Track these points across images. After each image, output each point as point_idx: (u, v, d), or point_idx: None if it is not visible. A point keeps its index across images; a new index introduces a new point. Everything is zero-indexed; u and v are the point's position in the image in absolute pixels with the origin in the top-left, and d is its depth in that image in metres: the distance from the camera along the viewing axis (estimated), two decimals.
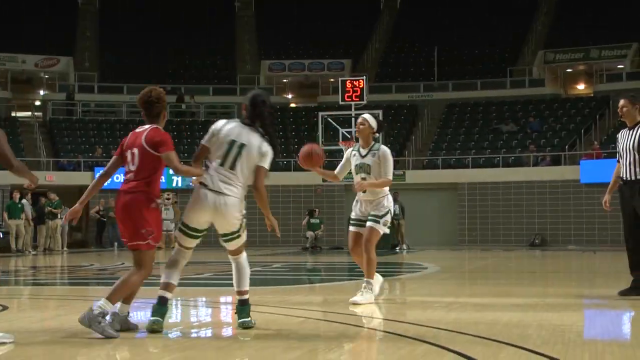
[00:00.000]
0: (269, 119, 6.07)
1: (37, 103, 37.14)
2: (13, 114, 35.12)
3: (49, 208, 24.51)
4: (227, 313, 7.67)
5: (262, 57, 39.39)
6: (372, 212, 7.96)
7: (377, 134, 8.18)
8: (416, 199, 28.16)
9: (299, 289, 10.75)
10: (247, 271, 6.17)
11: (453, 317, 6.99)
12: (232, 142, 5.93)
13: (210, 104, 35.19)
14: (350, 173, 8.24)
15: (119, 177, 22.90)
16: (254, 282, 10.49)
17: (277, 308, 7.56)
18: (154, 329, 5.79)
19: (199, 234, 6.06)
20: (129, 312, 6.01)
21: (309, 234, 25.64)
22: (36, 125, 33.11)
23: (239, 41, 41.29)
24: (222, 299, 8.91)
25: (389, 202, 8.03)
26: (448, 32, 39.49)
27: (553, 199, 27.82)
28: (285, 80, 39.58)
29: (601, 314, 7.73)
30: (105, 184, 6.16)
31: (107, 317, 5.63)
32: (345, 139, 23.80)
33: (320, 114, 25.50)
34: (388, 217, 7.99)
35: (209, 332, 6.45)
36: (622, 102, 8.57)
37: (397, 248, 24.12)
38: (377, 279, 8.20)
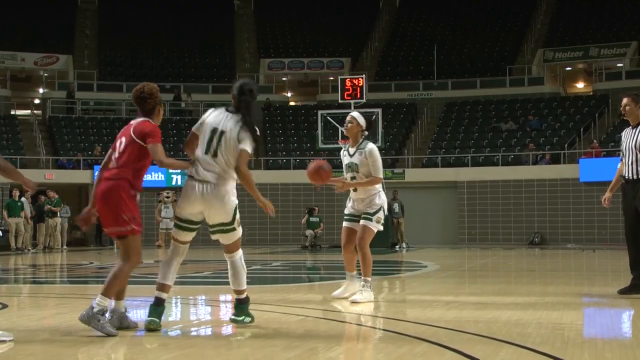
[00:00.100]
0: (251, 108, 6.00)
1: (37, 101, 37.13)
2: (12, 112, 35.11)
3: (49, 206, 24.52)
4: (227, 311, 7.67)
5: (261, 56, 39.40)
6: (365, 210, 7.96)
7: (367, 132, 8.14)
8: (416, 197, 28.17)
9: (299, 288, 10.75)
10: (242, 271, 6.12)
11: (452, 315, 6.99)
12: (214, 130, 5.93)
13: (209, 102, 35.20)
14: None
15: None
16: (253, 281, 10.48)
17: (276, 306, 7.56)
18: (151, 328, 5.80)
19: (193, 226, 6.01)
20: (126, 309, 6.00)
21: (308, 232, 25.63)
22: (35, 124, 33.10)
23: (238, 39, 41.29)
24: (222, 298, 8.91)
25: (380, 199, 8.00)
26: (447, 30, 39.54)
27: (552, 198, 27.83)
28: (284, 79, 39.60)
29: (600, 313, 7.73)
30: None
31: (107, 315, 5.63)
32: (344, 137, 23.77)
33: (320, 112, 25.50)
34: (381, 214, 7.98)
35: (208, 331, 6.45)
36: (625, 100, 8.55)
37: (397, 246, 24.12)
38: (354, 285, 8.15)
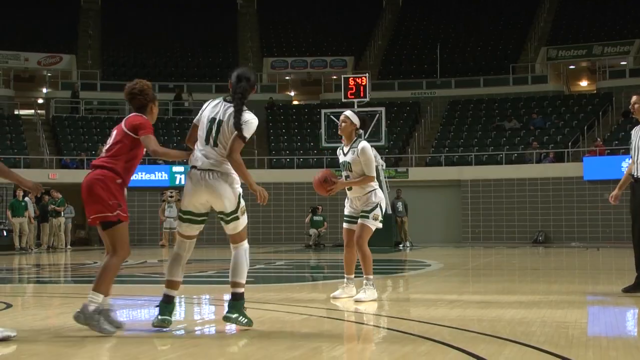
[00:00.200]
0: (242, 94, 5.92)
1: (40, 101, 37.19)
2: (16, 112, 35.15)
3: (52, 206, 24.55)
4: None
5: (264, 55, 39.41)
6: (362, 209, 7.97)
7: (361, 131, 8.14)
8: (419, 196, 28.16)
9: (302, 287, 10.75)
10: (245, 263, 5.94)
11: (456, 314, 6.99)
12: (212, 120, 5.90)
13: None
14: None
15: None
16: (256, 280, 10.50)
17: (280, 305, 7.56)
18: (162, 326, 5.79)
19: (197, 219, 5.94)
20: (111, 306, 5.93)
21: (312, 231, 25.63)
22: (39, 123, 33.14)
23: (241, 39, 41.31)
24: (226, 297, 8.90)
25: (377, 197, 8.00)
26: (450, 29, 39.51)
27: (556, 196, 27.81)
28: (287, 78, 39.60)
29: (605, 311, 7.72)
30: None
31: (111, 313, 5.62)
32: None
33: (323, 111, 25.50)
34: (378, 212, 7.97)
35: (212, 330, 6.45)
36: (634, 98, 8.50)
37: (401, 245, 24.12)
38: (350, 289, 8.15)
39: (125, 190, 5.95)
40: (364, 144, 7.94)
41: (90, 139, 32.46)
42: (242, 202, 5.93)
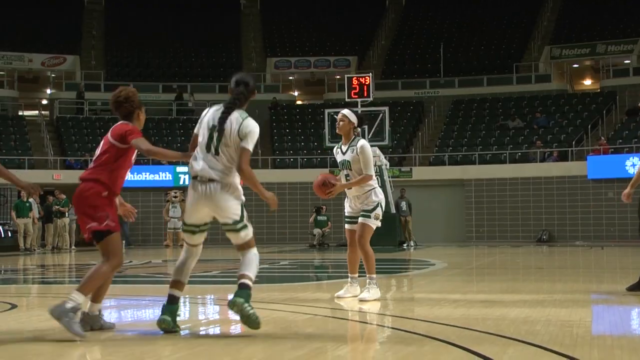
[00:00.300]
0: (238, 99, 5.82)
1: (44, 102, 37.23)
2: (20, 113, 35.20)
3: (57, 207, 24.59)
4: None
5: (267, 55, 39.43)
6: (362, 208, 7.96)
7: (359, 129, 8.13)
8: (423, 195, 28.15)
9: (307, 286, 10.76)
10: (255, 262, 5.75)
11: (460, 313, 6.99)
12: (213, 127, 5.75)
13: (216, 102, 35.18)
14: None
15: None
16: (261, 280, 10.47)
17: (284, 305, 7.57)
18: (163, 327, 5.73)
19: (199, 229, 5.83)
20: (100, 311, 5.92)
21: (316, 231, 25.64)
22: (43, 124, 33.19)
23: (244, 39, 41.33)
24: (230, 297, 8.91)
25: (377, 195, 7.98)
26: (454, 28, 39.50)
27: (560, 195, 27.78)
28: (291, 78, 39.61)
29: (609, 310, 7.71)
30: None
31: (79, 313, 5.52)
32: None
33: (327, 111, 25.49)
34: (379, 211, 7.97)
35: (217, 330, 6.46)
36: None
37: (405, 245, 24.12)
38: (355, 288, 8.17)
39: (117, 200, 5.88)
40: (363, 142, 7.93)
41: (95, 139, 32.44)
42: (245, 212, 5.78)
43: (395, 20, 41.81)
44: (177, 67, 38.64)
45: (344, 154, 7.99)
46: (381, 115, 24.83)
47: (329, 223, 25.82)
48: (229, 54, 39.85)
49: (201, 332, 6.21)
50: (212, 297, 9.14)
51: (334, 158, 8.27)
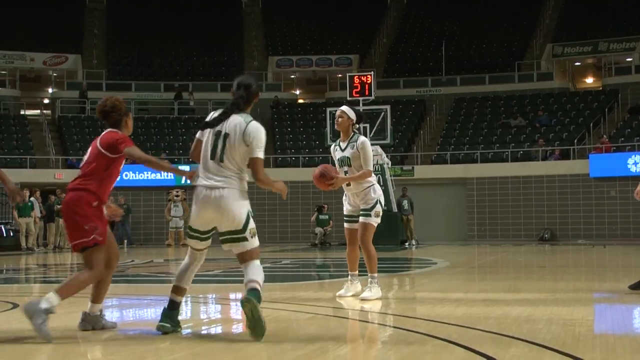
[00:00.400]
0: (237, 103, 5.66)
1: (46, 101, 37.26)
2: (22, 112, 35.24)
3: (59, 206, 24.59)
4: (237, 310, 7.68)
5: (269, 53, 39.42)
6: (362, 207, 7.94)
7: (358, 126, 8.11)
8: (425, 194, 28.13)
9: (308, 285, 10.76)
10: (260, 270, 5.58)
11: (462, 312, 6.98)
12: (218, 133, 5.61)
13: (218, 101, 35.29)
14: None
15: (127, 175, 23.27)
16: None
17: (286, 304, 7.56)
18: (163, 332, 5.68)
19: (203, 236, 5.69)
20: (101, 312, 5.91)
21: (318, 230, 25.64)
22: (45, 123, 33.21)
23: (246, 37, 41.32)
24: (232, 296, 8.92)
25: (376, 192, 7.96)
26: (455, 26, 39.48)
27: (562, 194, 27.76)
28: (293, 76, 39.61)
29: (611, 309, 7.70)
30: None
31: (50, 314, 5.45)
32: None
33: (329, 109, 25.48)
34: (379, 208, 7.95)
35: (218, 329, 6.46)
36: None
37: (407, 243, 24.11)
38: (356, 286, 8.17)
39: (104, 208, 5.85)
40: (363, 138, 7.93)
41: None
42: (252, 224, 5.58)
43: (396, 19, 41.80)
44: (178, 66, 38.66)
45: (343, 150, 7.97)
46: (383, 113, 24.82)
47: (331, 222, 25.81)
48: (230, 52, 39.86)
49: (202, 332, 6.20)
50: (214, 296, 9.13)
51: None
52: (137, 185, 28.80)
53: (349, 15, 40.79)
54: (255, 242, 5.60)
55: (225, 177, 5.56)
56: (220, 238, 5.64)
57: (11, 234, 24.36)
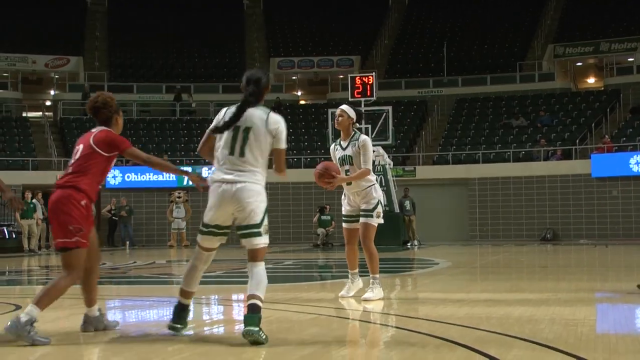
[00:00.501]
0: (248, 99, 5.60)
1: (48, 103, 37.30)
2: (24, 114, 35.27)
3: None
4: (239, 311, 7.69)
5: (271, 55, 39.44)
6: (363, 208, 7.93)
7: (358, 124, 8.11)
8: (427, 194, 28.14)
9: (310, 286, 10.76)
10: (264, 278, 5.56)
11: (464, 312, 6.98)
12: (237, 128, 5.53)
13: (220, 102, 35.32)
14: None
15: (129, 177, 23.30)
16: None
17: (289, 305, 7.57)
18: (174, 332, 5.72)
19: (220, 232, 5.63)
20: (100, 311, 5.89)
21: (320, 230, 25.64)
22: (47, 125, 33.25)
23: (248, 39, 41.35)
24: (234, 297, 8.93)
25: (377, 192, 7.97)
26: (457, 27, 39.49)
27: (564, 194, 27.76)
28: (294, 78, 39.62)
29: (614, 308, 7.70)
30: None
31: (35, 324, 5.34)
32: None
33: (330, 110, 25.48)
34: (379, 208, 7.95)
35: (221, 330, 6.47)
36: None
37: (409, 244, 24.11)
38: (357, 283, 8.18)
39: (93, 207, 5.81)
40: (365, 137, 7.94)
41: None
42: (266, 221, 5.59)
43: (398, 20, 41.81)
44: (180, 68, 38.69)
45: (344, 149, 7.97)
46: (384, 114, 24.83)
47: (333, 222, 25.81)
48: (232, 54, 39.88)
49: (205, 332, 6.21)
50: (216, 297, 9.14)
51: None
52: (139, 187, 28.83)
53: (350, 17, 40.81)
54: (266, 240, 5.60)
55: (246, 172, 5.51)
56: (238, 232, 5.59)
57: (13, 236, 24.38)
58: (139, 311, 8.02)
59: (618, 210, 26.68)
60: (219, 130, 5.60)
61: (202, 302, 8.62)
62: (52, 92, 37.50)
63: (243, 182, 5.48)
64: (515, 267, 14.42)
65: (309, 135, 33.28)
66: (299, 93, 39.70)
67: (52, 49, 36.82)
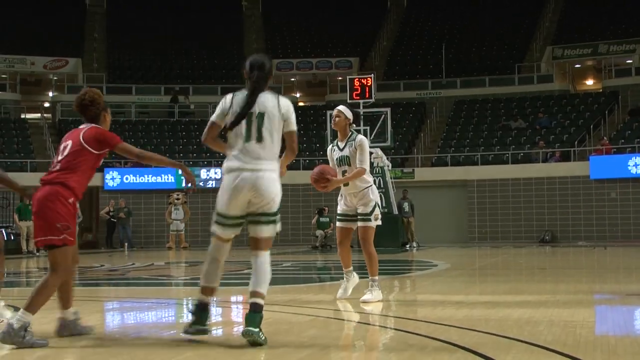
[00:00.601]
0: (257, 83, 5.54)
1: (46, 104, 37.28)
2: (22, 116, 35.27)
3: None
4: (238, 312, 7.69)
5: (269, 56, 39.40)
6: (360, 211, 7.92)
7: (354, 125, 8.12)
8: (425, 196, 28.14)
9: (309, 288, 10.76)
10: (268, 272, 5.51)
11: (463, 314, 6.98)
12: (250, 115, 5.46)
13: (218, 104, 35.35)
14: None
15: (128, 178, 23.33)
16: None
17: (287, 307, 7.56)
18: (198, 334, 5.56)
19: (237, 221, 5.52)
20: (76, 314, 5.79)
21: (319, 232, 25.65)
22: (45, 127, 33.23)
23: (246, 40, 41.36)
24: (233, 299, 8.92)
25: (374, 194, 7.97)
26: (455, 29, 39.52)
27: (563, 195, 27.77)
28: (293, 79, 39.62)
29: (612, 310, 7.71)
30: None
31: (29, 329, 5.31)
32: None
33: (329, 112, 25.48)
34: (377, 211, 7.95)
35: (219, 332, 6.46)
36: None
37: (407, 246, 24.11)
38: (354, 280, 8.17)
39: (78, 206, 5.75)
40: (362, 137, 7.95)
41: None
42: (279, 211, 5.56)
43: (396, 21, 41.83)
44: (178, 69, 38.69)
45: (341, 150, 7.98)
46: (383, 116, 24.83)
47: (332, 224, 25.78)
48: (230, 55, 39.87)
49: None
50: (215, 298, 9.12)
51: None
52: (137, 189, 28.81)
53: (349, 18, 40.82)
54: (278, 228, 5.58)
55: (263, 160, 5.46)
56: (251, 219, 5.50)
57: (12, 237, 24.37)
58: (137, 313, 8.01)
59: (616, 212, 26.69)
60: (236, 123, 5.48)
61: None
62: (50, 94, 37.48)
63: (263, 170, 5.44)
64: (514, 269, 14.42)
65: (307, 137, 33.26)
66: (298, 95, 39.71)
67: (50, 51, 36.80)
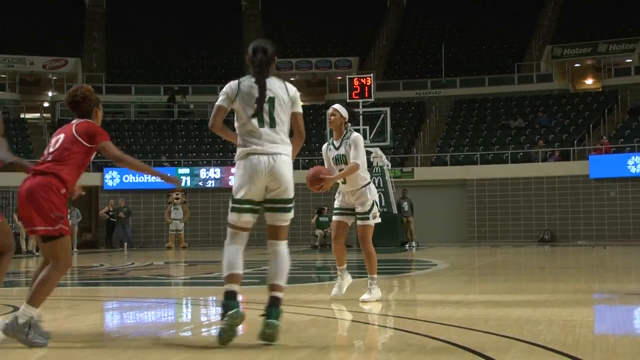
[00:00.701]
0: (261, 67, 5.46)
1: (46, 104, 37.27)
2: (22, 116, 35.26)
3: None
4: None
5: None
6: (359, 210, 7.92)
7: (350, 124, 8.12)
8: (425, 195, 28.14)
9: (309, 288, 10.76)
10: (287, 265, 5.50)
11: (463, 313, 6.98)
12: (261, 100, 5.41)
13: None
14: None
15: (127, 178, 23.40)
16: (263, 281, 10.50)
17: (286, 306, 7.53)
18: (235, 324, 5.28)
19: (256, 207, 5.46)
20: (39, 317, 5.66)
21: (318, 232, 25.65)
22: (45, 127, 33.24)
23: (246, 40, 41.29)
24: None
25: (372, 193, 7.96)
26: (455, 28, 39.51)
27: (562, 195, 27.77)
28: (292, 79, 39.55)
29: (612, 309, 7.70)
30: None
31: (37, 322, 5.33)
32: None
33: (328, 112, 25.48)
34: (375, 209, 7.94)
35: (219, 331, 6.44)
36: None
37: (407, 245, 24.11)
38: (347, 279, 8.17)
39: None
40: (356, 134, 7.94)
41: None
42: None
43: (396, 21, 41.82)
44: (178, 69, 38.67)
45: (337, 149, 7.98)
46: (383, 115, 24.83)
47: (331, 224, 25.81)
48: (230, 55, 39.88)
49: (203, 334, 6.20)
50: (214, 298, 9.13)
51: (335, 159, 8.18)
52: (137, 188, 28.80)
53: (348, 18, 40.81)
54: (292, 215, 5.58)
55: (277, 144, 5.43)
56: (268, 206, 5.47)
57: None
58: (136, 312, 8.01)
59: (616, 211, 26.69)
60: (259, 109, 5.38)
61: (200, 303, 8.61)
62: (50, 94, 37.47)
63: (278, 154, 5.41)
64: (514, 269, 14.42)
65: (307, 136, 33.12)
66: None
67: (50, 50, 36.79)
